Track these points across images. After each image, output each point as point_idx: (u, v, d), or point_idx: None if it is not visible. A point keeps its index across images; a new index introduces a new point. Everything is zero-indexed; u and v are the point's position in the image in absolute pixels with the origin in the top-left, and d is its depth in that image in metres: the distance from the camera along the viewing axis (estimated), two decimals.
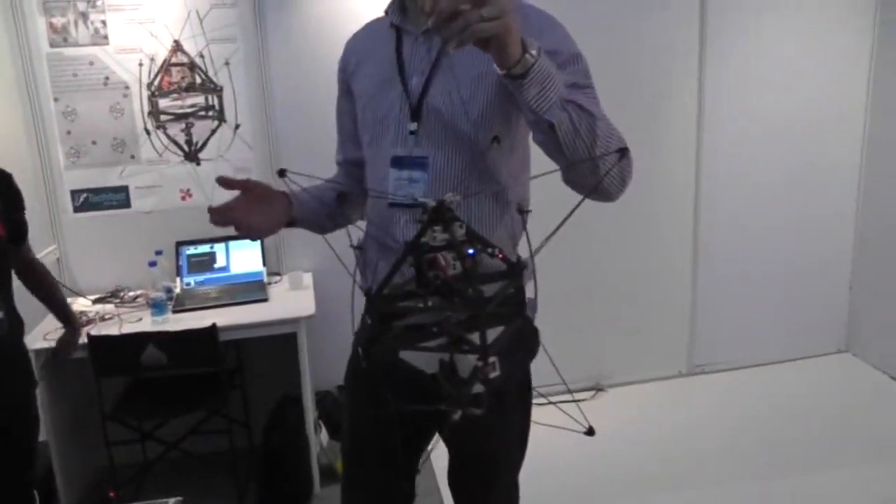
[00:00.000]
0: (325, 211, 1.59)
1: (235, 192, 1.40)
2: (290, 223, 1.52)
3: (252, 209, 1.39)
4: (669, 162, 3.58)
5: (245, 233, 1.39)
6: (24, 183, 2.21)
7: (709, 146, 3.58)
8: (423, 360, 0.92)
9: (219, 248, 3.19)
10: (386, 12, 1.52)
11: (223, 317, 2.80)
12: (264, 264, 3.21)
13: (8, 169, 2.12)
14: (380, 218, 1.49)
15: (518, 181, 1.52)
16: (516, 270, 0.95)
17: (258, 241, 3.18)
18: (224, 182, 1.37)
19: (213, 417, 2.90)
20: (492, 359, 0.86)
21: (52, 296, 2.44)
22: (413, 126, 1.44)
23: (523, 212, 1.25)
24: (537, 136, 1.26)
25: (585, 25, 3.34)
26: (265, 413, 3.12)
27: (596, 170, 1.23)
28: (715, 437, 3.21)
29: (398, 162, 1.44)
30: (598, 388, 3.65)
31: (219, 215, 1.34)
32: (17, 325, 2.01)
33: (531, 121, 1.21)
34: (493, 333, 0.88)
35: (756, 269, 3.78)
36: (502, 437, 1.59)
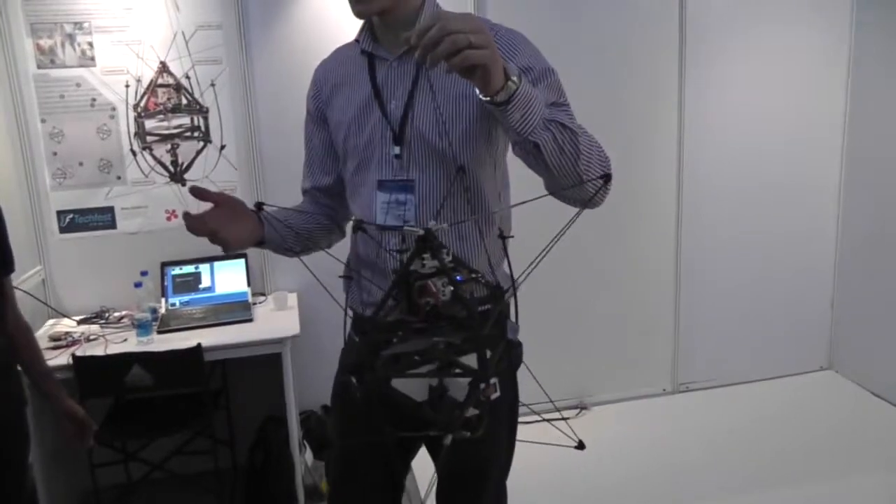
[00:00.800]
0: (292, 234, 1.61)
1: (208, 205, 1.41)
2: (260, 242, 1.53)
3: (224, 222, 1.40)
4: (651, 181, 3.62)
5: (218, 243, 1.39)
6: (10, 204, 2.22)
7: (689, 165, 3.62)
8: (412, 387, 0.94)
9: (204, 269, 3.20)
10: (357, 40, 1.54)
11: (208, 337, 2.81)
12: (249, 284, 3.22)
13: None
14: (369, 242, 1.51)
15: (500, 198, 1.56)
16: (499, 295, 0.99)
17: (243, 262, 3.19)
18: (197, 192, 1.38)
19: (197, 438, 2.90)
20: (493, 379, 0.89)
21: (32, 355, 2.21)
22: (397, 150, 1.46)
23: (504, 237, 1.28)
24: (520, 154, 1.29)
25: (566, 44, 3.41)
26: (250, 433, 3.12)
27: (580, 180, 1.27)
28: (700, 454, 3.23)
29: (384, 186, 1.47)
30: (583, 407, 3.67)
31: (195, 222, 1.34)
32: (8, 346, 2.01)
33: (516, 141, 1.24)
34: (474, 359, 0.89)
35: (738, 287, 3.81)
36: (492, 449, 1.63)
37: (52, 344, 2.86)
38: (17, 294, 2.24)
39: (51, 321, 3.16)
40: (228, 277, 3.21)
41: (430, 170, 1.45)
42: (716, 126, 3.62)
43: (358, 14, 1.44)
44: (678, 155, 3.61)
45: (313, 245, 1.64)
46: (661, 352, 3.81)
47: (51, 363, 2.60)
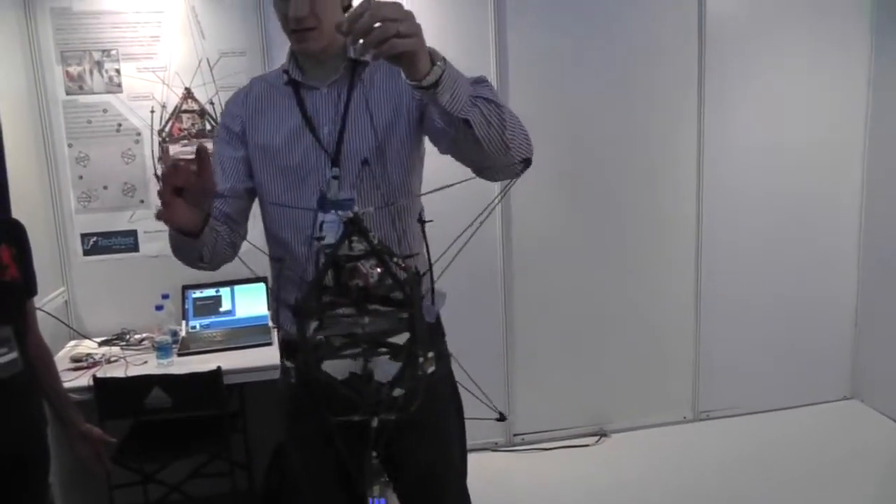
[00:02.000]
0: (213, 241, 1.57)
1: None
2: (192, 232, 1.47)
3: (192, 192, 1.37)
4: (671, 207, 3.62)
5: (169, 204, 1.35)
6: (36, 226, 2.25)
7: (709, 191, 3.61)
8: (340, 369, 0.95)
9: (224, 293, 3.23)
10: (286, 70, 1.62)
11: (228, 360, 2.82)
12: (269, 308, 3.24)
13: (21, 212, 2.15)
14: (300, 257, 1.56)
15: (417, 194, 1.68)
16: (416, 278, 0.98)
17: (263, 286, 3.20)
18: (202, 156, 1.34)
19: (214, 460, 2.90)
20: (430, 353, 0.92)
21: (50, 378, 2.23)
22: (335, 171, 1.55)
23: (423, 222, 1.36)
24: (448, 142, 1.40)
25: (588, 75, 3.43)
26: (266, 456, 3.12)
27: (507, 151, 1.32)
28: (720, 483, 3.18)
29: (324, 205, 1.53)
30: (602, 434, 3.63)
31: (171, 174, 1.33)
32: (29, 366, 2.03)
33: (446, 122, 1.31)
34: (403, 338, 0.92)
35: (759, 314, 3.78)
36: (440, 442, 1.69)
37: (73, 365, 2.89)
38: (39, 315, 2.27)
39: (72, 342, 3.19)
40: (249, 301, 3.23)
41: (367, 187, 1.56)
42: (735, 151, 3.62)
43: (304, 51, 1.57)
44: (697, 181, 3.60)
45: (219, 257, 1.62)
46: (681, 379, 3.77)
47: (71, 384, 2.64)
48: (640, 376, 3.71)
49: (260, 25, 3.17)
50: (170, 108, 3.19)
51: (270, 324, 3.18)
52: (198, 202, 1.40)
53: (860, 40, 3.66)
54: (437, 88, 1.19)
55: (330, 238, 1.48)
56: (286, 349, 1.68)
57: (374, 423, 0.90)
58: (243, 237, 1.72)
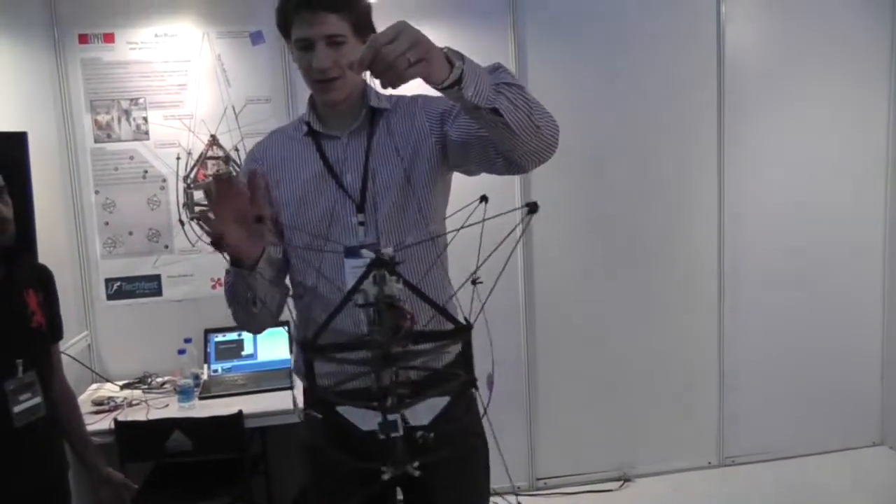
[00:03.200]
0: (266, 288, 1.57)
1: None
2: (247, 265, 1.48)
3: (239, 220, 1.40)
4: (692, 247, 3.61)
5: (212, 230, 1.38)
6: (61, 271, 2.28)
7: (731, 234, 3.60)
8: (359, 416, 0.92)
9: (246, 337, 3.24)
10: (307, 122, 1.65)
11: (249, 404, 2.82)
12: (291, 352, 3.25)
13: (47, 256, 2.19)
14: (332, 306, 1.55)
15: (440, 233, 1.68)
16: (465, 328, 0.96)
17: (285, 330, 3.21)
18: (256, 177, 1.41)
19: (236, 503, 2.89)
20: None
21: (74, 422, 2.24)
22: (361, 217, 1.57)
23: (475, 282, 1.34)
24: (473, 143, 1.44)
25: (608, 117, 3.46)
26: (287, 500, 3.10)
27: (538, 132, 1.34)
28: None
29: (352, 252, 1.54)
30: (626, 479, 3.58)
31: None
32: (53, 410, 2.05)
33: (473, 116, 1.33)
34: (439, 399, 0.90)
35: (784, 358, 3.73)
36: (467, 488, 1.69)
37: (95, 408, 2.90)
38: (63, 359, 2.29)
39: (94, 385, 3.21)
40: (271, 345, 3.24)
41: (393, 231, 1.58)
42: (756, 191, 3.61)
43: (329, 102, 1.59)
44: (719, 221, 3.59)
45: (269, 318, 1.62)
46: (706, 423, 3.72)
47: (93, 427, 2.64)
48: (664, 420, 3.66)
49: (285, 72, 3.24)
50: (195, 155, 3.25)
51: (292, 367, 3.19)
52: (248, 230, 1.42)
53: (880, 77, 3.67)
54: (460, 86, 1.21)
55: (352, 284, 1.48)
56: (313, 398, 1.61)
57: (416, 472, 0.87)
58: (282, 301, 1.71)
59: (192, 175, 3.26)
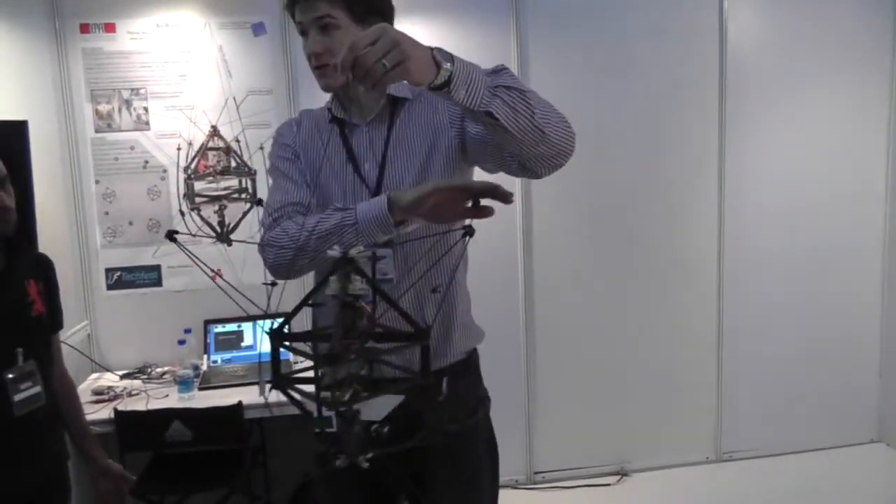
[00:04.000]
0: None
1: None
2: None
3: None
4: (692, 246, 3.61)
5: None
6: (62, 261, 2.28)
7: (731, 230, 3.60)
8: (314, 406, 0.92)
9: (246, 327, 3.25)
10: (329, 108, 1.65)
11: (249, 395, 2.83)
12: None
13: (47, 246, 2.18)
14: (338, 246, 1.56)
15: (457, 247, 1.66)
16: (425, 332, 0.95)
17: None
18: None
19: (234, 494, 2.90)
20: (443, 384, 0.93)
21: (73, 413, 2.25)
22: None
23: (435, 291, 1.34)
24: (488, 143, 1.41)
25: (610, 114, 3.46)
26: (287, 491, 3.11)
27: (544, 136, 1.31)
28: None
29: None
30: (623, 473, 3.59)
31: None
32: (53, 400, 2.05)
33: (470, 117, 1.32)
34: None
35: (782, 354, 3.74)
36: (471, 489, 1.67)
37: (95, 398, 2.91)
38: (63, 348, 2.30)
39: (94, 375, 3.21)
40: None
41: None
42: (756, 191, 3.62)
43: (324, 88, 1.58)
44: (719, 220, 3.60)
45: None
46: (704, 419, 3.73)
47: (93, 417, 2.65)
48: (662, 416, 3.67)
49: (286, 64, 3.24)
50: (196, 146, 3.25)
51: (292, 359, 3.19)
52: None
53: (882, 74, 3.67)
54: (448, 87, 1.19)
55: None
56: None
57: (364, 464, 0.88)
58: None
59: (192, 166, 3.26)
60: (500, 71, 1.32)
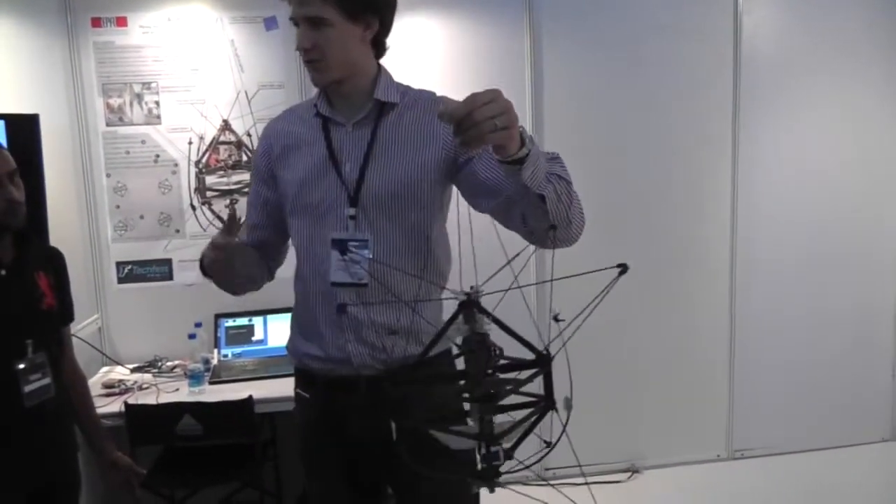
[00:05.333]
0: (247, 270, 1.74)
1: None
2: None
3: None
4: (704, 244, 3.58)
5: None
6: (73, 254, 2.29)
7: (744, 228, 3.57)
8: (451, 439, 0.95)
9: (257, 322, 3.25)
10: (315, 104, 1.64)
11: (259, 389, 2.83)
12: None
13: (58, 239, 2.19)
14: (318, 297, 1.62)
15: (446, 254, 1.68)
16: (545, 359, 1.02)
17: None
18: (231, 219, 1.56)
19: (245, 488, 2.90)
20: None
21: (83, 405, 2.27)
22: (352, 211, 1.56)
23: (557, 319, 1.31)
24: (502, 209, 1.42)
25: (623, 111, 3.43)
26: (297, 486, 3.10)
27: (569, 226, 1.39)
28: None
29: (339, 244, 1.55)
30: (634, 470, 3.57)
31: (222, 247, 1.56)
32: (63, 392, 2.06)
33: (521, 194, 1.31)
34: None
35: (795, 352, 3.71)
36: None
37: (105, 391, 2.92)
38: (74, 341, 2.31)
39: (105, 368, 3.22)
40: (281, 330, 3.24)
41: (384, 229, 1.57)
42: (770, 190, 3.58)
43: (314, 82, 1.58)
44: (732, 219, 3.57)
45: (251, 281, 1.78)
46: (715, 416, 3.70)
47: (103, 410, 2.65)
48: (673, 413, 3.65)
49: (298, 59, 3.21)
50: (207, 140, 3.25)
51: (287, 346, 3.19)
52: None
53: (895, 77, 3.63)
54: (521, 165, 1.22)
55: (336, 277, 1.55)
56: (301, 379, 1.76)
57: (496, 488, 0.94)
58: (278, 263, 1.85)
59: (203, 160, 3.26)
60: (555, 158, 1.38)
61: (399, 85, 1.64)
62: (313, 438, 1.76)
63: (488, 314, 0.96)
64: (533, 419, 0.94)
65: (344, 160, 1.58)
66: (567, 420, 0.96)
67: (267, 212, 1.73)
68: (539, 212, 1.31)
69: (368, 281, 1.54)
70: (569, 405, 0.98)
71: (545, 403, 0.96)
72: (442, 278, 1.65)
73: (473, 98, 1.10)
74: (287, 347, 1.76)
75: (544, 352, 0.98)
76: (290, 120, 1.72)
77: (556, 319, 1.26)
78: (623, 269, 1.15)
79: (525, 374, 0.98)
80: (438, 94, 1.64)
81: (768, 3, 3.50)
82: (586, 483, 3.44)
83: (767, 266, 3.63)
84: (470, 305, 0.94)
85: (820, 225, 3.65)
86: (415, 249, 1.58)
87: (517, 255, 1.23)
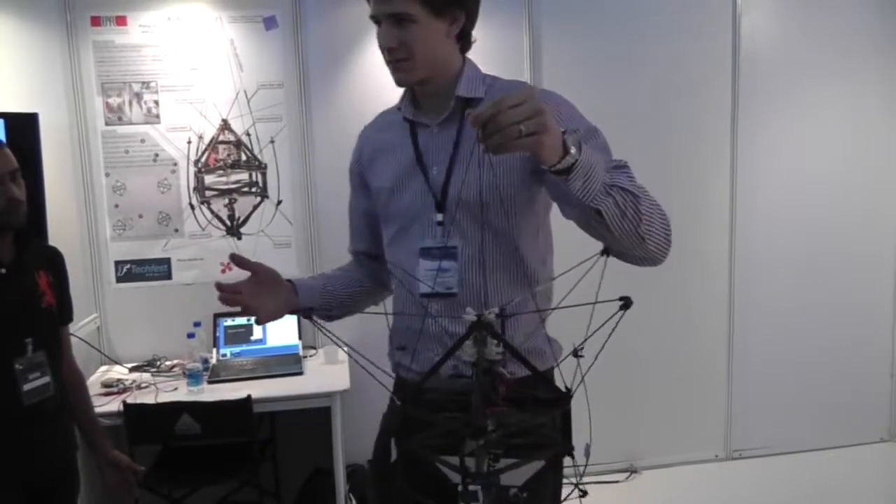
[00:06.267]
0: (332, 300, 1.64)
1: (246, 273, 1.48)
2: (297, 311, 1.57)
3: (259, 292, 1.46)
4: (704, 245, 3.58)
5: (250, 314, 1.45)
6: (71, 253, 2.28)
7: (742, 228, 3.59)
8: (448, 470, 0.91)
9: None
10: (399, 108, 1.57)
11: (258, 389, 2.83)
12: (300, 338, 3.25)
13: (57, 238, 2.19)
14: (410, 307, 1.52)
15: (545, 265, 1.56)
16: (565, 397, 0.95)
17: (294, 315, 3.22)
18: (237, 260, 1.44)
19: (244, 487, 2.90)
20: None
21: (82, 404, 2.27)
22: (439, 217, 1.47)
23: (578, 355, 1.25)
24: (575, 218, 1.30)
25: (622, 111, 3.44)
26: (296, 485, 3.11)
27: (642, 244, 1.27)
28: None
29: (427, 253, 1.47)
30: (633, 471, 3.58)
31: (227, 293, 1.41)
32: (62, 391, 2.06)
33: (576, 206, 1.23)
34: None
35: (794, 353, 3.71)
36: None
37: (104, 390, 2.91)
38: (72, 340, 2.30)
39: (103, 367, 3.22)
40: (280, 330, 3.24)
41: (472, 236, 1.45)
42: (769, 191, 3.59)
43: (398, 83, 1.48)
44: (731, 219, 3.58)
45: (354, 308, 1.68)
46: (713, 417, 3.71)
47: (102, 409, 2.66)
48: (672, 413, 3.65)
49: (297, 58, 3.23)
50: (206, 139, 3.25)
51: (301, 353, 3.19)
52: (270, 289, 1.49)
53: (894, 75, 3.64)
54: (567, 175, 1.14)
55: (425, 287, 1.45)
56: (396, 387, 1.61)
57: None
58: (389, 291, 1.73)
59: (202, 159, 3.25)
60: (620, 167, 1.27)
61: (486, 77, 1.53)
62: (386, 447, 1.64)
63: (500, 338, 0.89)
64: (543, 463, 0.88)
65: (431, 163, 1.49)
66: (585, 469, 0.93)
67: (366, 221, 1.67)
68: (603, 227, 1.24)
69: (458, 291, 1.46)
70: (588, 452, 0.93)
71: (562, 447, 0.90)
72: (537, 290, 1.54)
73: (501, 100, 1.03)
74: (388, 354, 1.65)
75: (564, 389, 0.90)
76: (380, 125, 1.65)
77: (575, 355, 1.23)
78: (626, 303, 1.10)
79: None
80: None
81: (766, 3, 3.51)
82: (585, 483, 3.45)
83: (766, 266, 3.64)
84: (480, 328, 0.88)
85: (818, 225, 3.65)
86: (505, 258, 1.47)
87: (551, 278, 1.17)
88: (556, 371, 1.55)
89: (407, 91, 1.55)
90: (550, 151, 1.09)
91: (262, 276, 1.49)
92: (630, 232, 1.24)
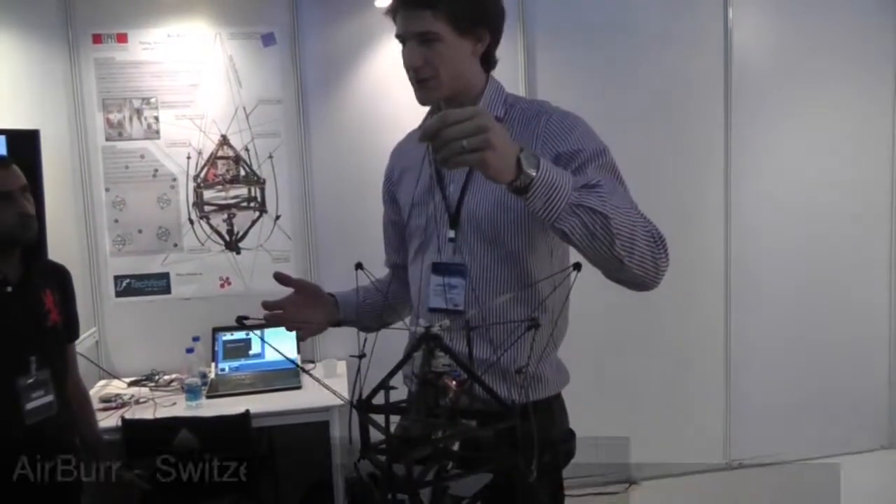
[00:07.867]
0: (371, 313, 1.66)
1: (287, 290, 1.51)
2: (337, 323, 1.60)
3: (301, 308, 1.50)
4: (699, 251, 3.59)
5: (294, 329, 1.49)
6: (71, 268, 2.29)
7: (737, 236, 3.59)
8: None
9: (254, 336, 3.25)
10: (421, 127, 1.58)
11: (257, 403, 2.83)
12: (298, 352, 3.25)
13: (57, 253, 2.20)
14: (416, 322, 1.54)
15: (552, 287, 1.54)
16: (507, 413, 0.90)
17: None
18: (281, 278, 1.47)
19: (242, 502, 2.89)
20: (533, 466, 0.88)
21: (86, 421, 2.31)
22: (451, 234, 1.48)
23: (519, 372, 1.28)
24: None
25: (616, 121, 3.45)
26: (295, 499, 3.10)
27: (622, 266, 1.25)
28: None
29: (437, 269, 1.49)
30: (632, 482, 3.57)
31: (271, 310, 1.44)
32: (65, 409, 2.06)
33: (549, 227, 1.22)
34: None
35: (793, 361, 3.71)
36: None
37: (102, 405, 2.91)
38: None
39: (102, 382, 3.22)
40: (278, 345, 3.20)
41: (482, 255, 1.46)
42: (762, 196, 3.61)
43: (421, 101, 1.49)
44: (725, 226, 3.59)
45: (393, 319, 1.68)
46: (712, 426, 3.71)
47: (100, 424, 2.64)
48: (670, 424, 3.65)
49: (296, 75, 3.25)
50: (206, 155, 3.27)
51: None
52: (312, 303, 1.53)
53: (887, 81, 3.67)
54: (526, 194, 1.13)
55: (434, 302, 1.48)
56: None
57: None
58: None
59: (202, 175, 3.27)
60: (594, 187, 1.23)
61: (509, 97, 1.54)
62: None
63: (448, 351, 0.90)
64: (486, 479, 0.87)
65: (449, 181, 1.51)
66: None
67: (398, 234, 1.69)
68: (577, 247, 1.23)
69: (465, 308, 1.45)
70: (538, 465, 0.90)
71: (505, 463, 0.88)
72: (547, 314, 1.52)
73: (445, 115, 1.05)
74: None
75: (511, 403, 0.87)
76: (408, 142, 1.66)
77: (518, 372, 1.24)
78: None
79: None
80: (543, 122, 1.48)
81: (758, 12, 3.54)
82: (585, 495, 3.45)
83: (762, 275, 3.65)
84: (429, 339, 0.90)
85: (813, 231, 3.66)
86: (514, 278, 1.46)
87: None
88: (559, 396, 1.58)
89: (431, 110, 1.55)
90: (498, 170, 1.10)
91: (305, 291, 1.52)
92: (605, 254, 1.21)
